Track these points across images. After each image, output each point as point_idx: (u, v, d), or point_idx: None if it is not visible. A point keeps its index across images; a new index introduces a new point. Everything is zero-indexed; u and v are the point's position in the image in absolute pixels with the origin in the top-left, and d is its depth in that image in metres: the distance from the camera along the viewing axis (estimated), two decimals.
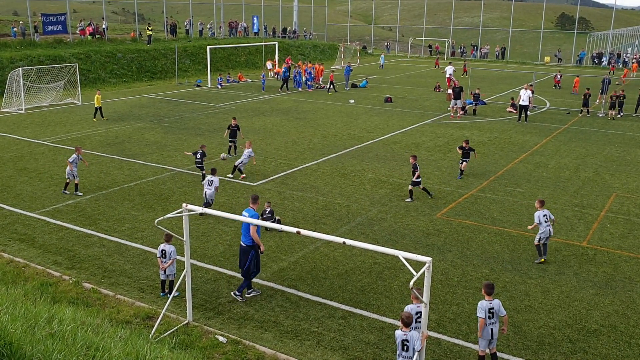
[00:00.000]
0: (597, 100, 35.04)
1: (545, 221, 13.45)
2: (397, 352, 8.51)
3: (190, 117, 30.35)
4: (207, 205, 15.38)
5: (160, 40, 51.40)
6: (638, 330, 10.74)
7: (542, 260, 13.55)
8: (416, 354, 8.25)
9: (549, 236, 13.51)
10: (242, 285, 11.62)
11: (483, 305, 9.16)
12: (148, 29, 49.89)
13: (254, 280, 12.00)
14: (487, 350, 9.35)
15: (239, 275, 12.52)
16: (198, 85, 42.03)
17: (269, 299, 11.61)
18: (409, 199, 17.56)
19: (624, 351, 10.08)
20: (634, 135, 27.85)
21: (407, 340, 8.32)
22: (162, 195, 17.78)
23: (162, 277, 11.77)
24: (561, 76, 44.28)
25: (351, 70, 43.53)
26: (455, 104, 31.78)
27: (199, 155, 19.23)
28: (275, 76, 46.19)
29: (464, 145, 20.19)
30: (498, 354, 9.72)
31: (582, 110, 33.09)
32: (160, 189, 18.38)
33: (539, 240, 13.58)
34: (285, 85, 40.96)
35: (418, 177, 17.44)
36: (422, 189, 17.79)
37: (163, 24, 58.79)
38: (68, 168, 17.55)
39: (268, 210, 15.27)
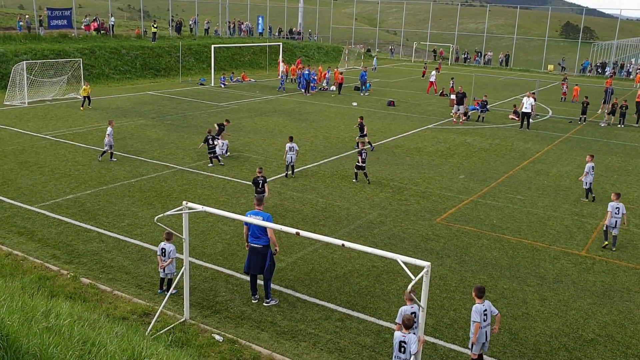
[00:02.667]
0: (600, 110, 35.23)
1: (616, 213, 14.91)
2: (394, 354, 8.53)
3: (193, 115, 30.37)
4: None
5: (165, 38, 51.46)
6: (635, 340, 10.73)
7: (606, 243, 15.06)
8: (412, 357, 8.25)
9: (614, 226, 14.93)
10: (267, 290, 11.36)
11: (478, 309, 9.17)
12: (153, 26, 49.96)
13: (244, 281, 11.96)
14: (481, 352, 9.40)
15: (238, 275, 12.53)
16: (201, 84, 42.07)
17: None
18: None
19: None
20: (636, 146, 27.84)
21: (404, 342, 8.35)
22: (162, 192, 17.79)
23: (162, 275, 11.77)
24: (567, 87, 43.54)
25: (366, 75, 43.07)
26: (458, 110, 31.81)
27: (210, 142, 20.71)
28: (288, 78, 46.50)
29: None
30: None
31: (580, 119, 33.29)
32: (160, 186, 18.39)
33: (606, 228, 15.18)
34: (307, 87, 40.59)
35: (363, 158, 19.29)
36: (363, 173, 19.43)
37: (168, 21, 58.84)
38: (106, 139, 20.59)
39: (260, 176, 16.15)
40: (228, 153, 22.07)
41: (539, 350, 10.31)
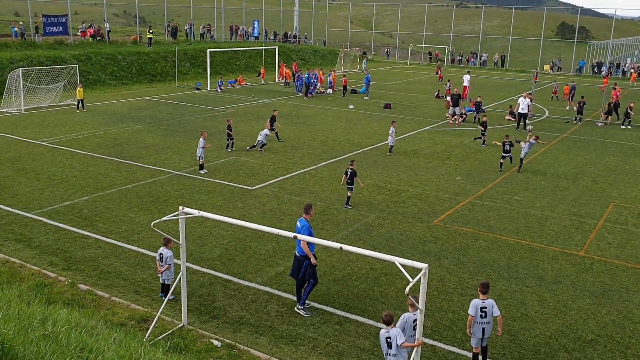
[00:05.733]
0: (568, 106, 37.14)
1: None
2: (384, 352, 8.59)
3: (189, 119, 30.35)
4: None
5: (160, 43, 51.45)
6: (634, 340, 10.72)
7: None
8: (401, 350, 8.33)
9: None
10: (303, 298, 11.33)
11: (475, 302, 9.28)
12: (149, 31, 49.97)
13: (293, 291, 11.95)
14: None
15: (235, 280, 12.50)
16: (197, 88, 42.05)
17: (265, 304, 11.57)
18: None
19: None
20: (633, 145, 27.89)
21: (389, 338, 8.46)
22: (159, 197, 17.76)
23: (161, 280, 11.74)
24: (557, 85, 44.15)
25: (370, 78, 42.77)
26: (454, 112, 31.83)
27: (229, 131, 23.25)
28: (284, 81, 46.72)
29: (505, 140, 22.38)
30: None
31: (576, 118, 33.44)
32: (157, 191, 18.35)
33: None
34: (307, 90, 40.64)
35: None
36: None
37: (164, 27, 58.84)
38: (199, 151, 20.41)
39: (350, 168, 17.17)
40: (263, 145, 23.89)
41: (539, 352, 10.29)
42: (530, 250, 14.68)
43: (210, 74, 43.28)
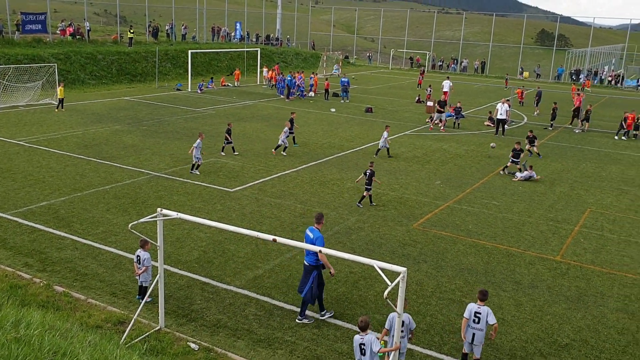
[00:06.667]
0: (535, 112, 38.62)
1: None
2: (357, 358, 8.61)
3: (169, 120, 30.13)
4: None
5: (141, 43, 51.02)
6: (608, 345, 10.87)
7: None
8: (376, 357, 8.34)
9: None
10: (303, 309, 11.17)
11: (470, 306, 9.46)
12: (130, 31, 49.53)
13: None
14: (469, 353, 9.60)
15: (214, 283, 12.42)
16: (178, 89, 41.79)
17: (243, 307, 11.51)
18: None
19: None
20: (609, 152, 28.34)
21: (363, 344, 8.47)
22: (137, 199, 17.59)
23: (139, 282, 11.62)
24: (523, 92, 44.83)
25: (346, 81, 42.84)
26: (440, 118, 32.10)
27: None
28: (268, 84, 46.67)
29: (515, 147, 22.94)
30: None
31: (551, 124, 33.91)
32: (136, 192, 18.18)
33: None
34: (289, 93, 40.62)
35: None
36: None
37: (145, 27, 58.38)
38: (196, 151, 20.21)
39: (370, 169, 17.86)
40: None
41: (515, 356, 10.38)
42: (508, 255, 14.82)
43: (192, 75, 43.04)
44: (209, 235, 14.98)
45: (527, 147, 25.61)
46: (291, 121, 25.68)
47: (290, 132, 25.19)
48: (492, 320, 9.37)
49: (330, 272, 11.06)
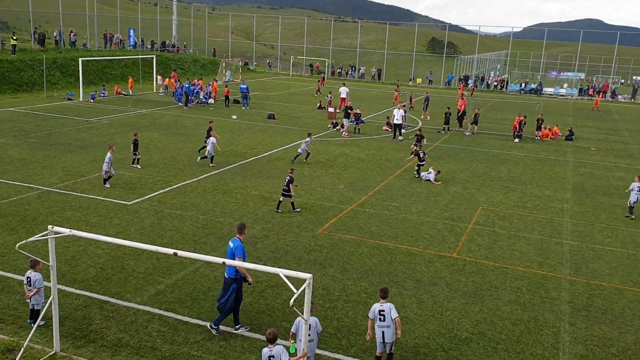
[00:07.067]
0: (422, 116, 40.05)
1: (639, 190, 19.40)
2: None
3: (60, 132, 28.52)
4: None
5: (26, 51, 47.97)
6: (504, 336, 11.49)
7: (632, 217, 19.54)
8: None
9: (636, 201, 19.49)
10: (217, 319, 10.90)
11: (374, 307, 9.69)
12: (12, 38, 46.45)
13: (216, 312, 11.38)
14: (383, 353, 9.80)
15: (113, 300, 11.86)
16: (69, 99, 39.67)
17: (146, 324, 11.07)
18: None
19: (492, 357, 10.73)
20: (497, 153, 30.11)
21: (272, 356, 8.47)
22: (26, 216, 16.46)
23: (30, 305, 10.84)
24: (412, 96, 46.96)
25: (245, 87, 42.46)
26: (343, 123, 32.70)
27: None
28: (165, 91, 45.37)
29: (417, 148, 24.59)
30: None
31: (444, 128, 35.61)
32: (24, 209, 17.01)
33: (630, 202, 19.64)
34: (187, 100, 39.57)
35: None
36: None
37: (30, 33, 54.96)
38: (106, 166, 19.46)
39: (287, 178, 18.11)
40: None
41: (418, 353, 10.72)
42: (408, 254, 15.32)
43: (83, 84, 41.04)
44: (106, 251, 14.29)
45: (413, 147, 26.26)
46: (209, 130, 25.33)
47: (205, 142, 24.86)
48: (394, 314, 9.67)
49: (247, 282, 10.95)
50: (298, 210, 18.24)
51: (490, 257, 15.54)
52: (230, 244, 10.95)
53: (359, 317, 11.79)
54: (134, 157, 22.61)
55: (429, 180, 22.92)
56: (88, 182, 20.13)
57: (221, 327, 11.03)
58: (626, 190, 20.66)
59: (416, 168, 23.77)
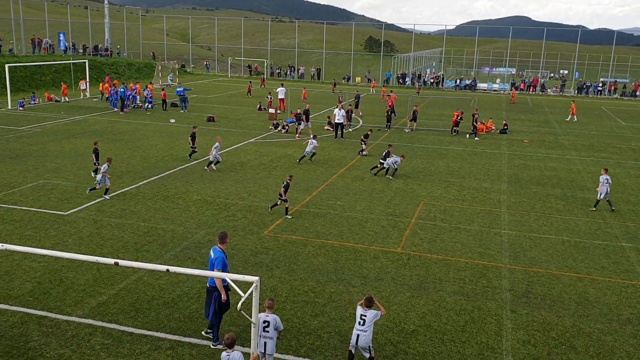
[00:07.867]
0: (354, 113, 40.03)
1: (606, 182, 19.62)
2: None
3: None
4: None
5: None
6: (449, 326, 11.75)
7: (594, 209, 19.96)
8: None
9: (606, 192, 19.81)
10: (215, 333, 10.64)
11: (358, 309, 9.98)
12: None
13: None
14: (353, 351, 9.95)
15: (52, 315, 11.40)
16: None
17: (88, 337, 10.69)
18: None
19: (439, 347, 10.96)
20: (436, 148, 30.79)
21: None
22: None
23: None
24: (342, 96, 47.58)
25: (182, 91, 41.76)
26: (306, 125, 32.76)
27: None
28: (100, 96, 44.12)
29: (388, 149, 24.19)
30: None
31: (387, 126, 36.25)
32: None
33: (599, 195, 19.93)
34: (123, 105, 38.43)
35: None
36: None
37: None
38: (100, 176, 19.00)
39: (285, 183, 18.10)
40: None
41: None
42: (354, 252, 15.44)
43: (11, 91, 39.31)
44: (43, 264, 13.73)
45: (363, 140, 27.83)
46: (192, 135, 25.20)
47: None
48: (377, 318, 9.92)
49: (222, 297, 10.55)
50: (278, 212, 18.04)
51: (433, 250, 15.87)
52: (211, 253, 10.55)
53: (308, 317, 11.79)
54: (95, 166, 21.54)
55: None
56: (20, 193, 19.29)
57: (169, 336, 10.79)
58: (597, 189, 20.57)
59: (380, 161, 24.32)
